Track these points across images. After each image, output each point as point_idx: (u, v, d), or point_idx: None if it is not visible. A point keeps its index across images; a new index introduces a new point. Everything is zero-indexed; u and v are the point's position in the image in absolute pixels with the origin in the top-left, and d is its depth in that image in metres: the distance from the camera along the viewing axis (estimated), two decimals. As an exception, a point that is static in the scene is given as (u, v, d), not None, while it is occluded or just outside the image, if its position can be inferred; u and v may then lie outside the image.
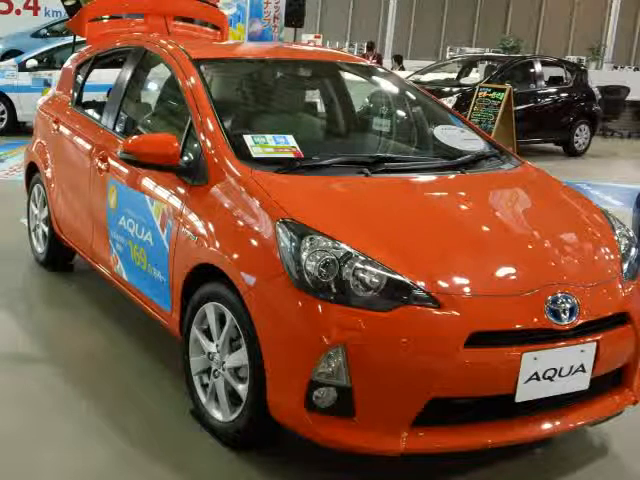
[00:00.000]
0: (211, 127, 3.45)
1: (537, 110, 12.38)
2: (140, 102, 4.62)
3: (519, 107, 11.51)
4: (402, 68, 17.89)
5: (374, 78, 4.72)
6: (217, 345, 3.11)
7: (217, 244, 3.10)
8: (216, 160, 3.32)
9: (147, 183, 3.68)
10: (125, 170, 3.89)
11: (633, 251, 3.27)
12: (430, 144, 4.11)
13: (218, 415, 3.13)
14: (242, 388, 2.97)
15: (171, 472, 2.94)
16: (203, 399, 3.22)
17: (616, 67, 29.69)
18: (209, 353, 3.15)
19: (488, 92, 11.05)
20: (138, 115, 4.43)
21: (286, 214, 2.91)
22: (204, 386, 3.23)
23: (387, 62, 21.78)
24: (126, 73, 4.41)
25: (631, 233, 3.44)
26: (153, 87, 4.73)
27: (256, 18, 14.93)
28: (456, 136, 3.95)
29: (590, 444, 3.32)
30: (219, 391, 3.11)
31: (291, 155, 3.39)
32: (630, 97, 15.59)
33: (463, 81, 13.02)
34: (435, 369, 2.66)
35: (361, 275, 2.71)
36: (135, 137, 3.57)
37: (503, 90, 10.96)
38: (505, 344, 2.73)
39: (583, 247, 3.24)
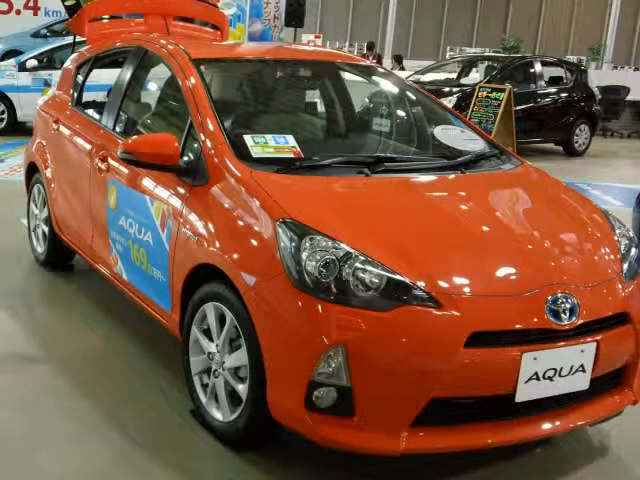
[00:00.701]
0: (211, 127, 3.45)
1: (537, 110, 12.38)
2: (140, 102, 4.62)
3: (519, 107, 11.52)
4: (402, 68, 17.89)
5: (374, 78, 4.72)
6: (217, 345, 3.11)
7: (217, 244, 3.10)
8: (216, 160, 3.32)
9: (147, 183, 3.68)
10: (125, 170, 3.89)
11: (633, 251, 3.27)
12: (430, 144, 4.11)
13: (218, 415, 3.13)
14: (242, 388, 2.97)
15: (171, 472, 2.94)
16: (203, 399, 3.22)
17: (616, 67, 29.65)
18: (209, 353, 3.15)
19: (488, 92, 11.06)
20: (138, 115, 4.43)
21: (286, 214, 2.91)
22: (204, 386, 3.23)
23: (387, 62, 21.75)
24: (126, 73, 4.41)
25: (631, 233, 3.44)
26: (153, 87, 4.72)
27: (256, 18, 14.93)
28: (456, 136, 3.95)
29: (590, 444, 3.32)
30: (219, 391, 3.11)
31: (291, 155, 3.39)
32: (630, 97, 15.60)
33: (463, 81, 13.01)
34: (435, 369, 2.66)
35: (361, 275, 2.71)
36: (135, 137, 3.57)
37: (503, 90, 10.97)
38: (505, 344, 2.73)
39: (583, 247, 3.24)
